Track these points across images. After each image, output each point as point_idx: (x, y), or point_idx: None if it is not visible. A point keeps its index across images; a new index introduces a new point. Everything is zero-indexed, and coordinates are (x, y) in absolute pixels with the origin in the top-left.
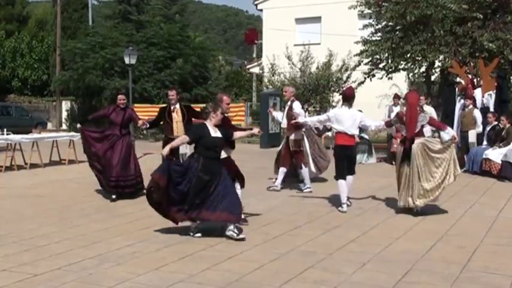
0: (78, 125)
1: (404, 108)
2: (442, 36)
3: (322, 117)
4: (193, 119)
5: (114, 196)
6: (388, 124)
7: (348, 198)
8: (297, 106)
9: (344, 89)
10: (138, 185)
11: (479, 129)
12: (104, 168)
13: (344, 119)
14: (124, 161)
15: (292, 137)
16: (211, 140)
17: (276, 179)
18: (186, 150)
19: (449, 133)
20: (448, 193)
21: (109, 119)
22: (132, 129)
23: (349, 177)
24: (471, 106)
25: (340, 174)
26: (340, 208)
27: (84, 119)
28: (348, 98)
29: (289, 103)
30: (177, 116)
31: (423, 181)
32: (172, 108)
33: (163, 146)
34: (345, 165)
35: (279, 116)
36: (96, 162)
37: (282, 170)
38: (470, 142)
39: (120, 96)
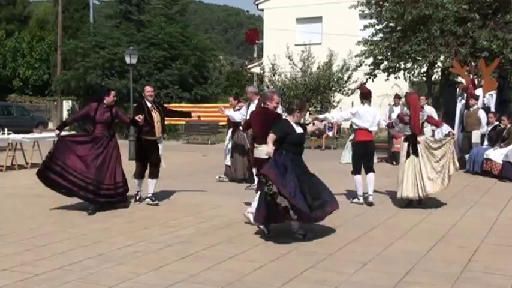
0: (56, 132)
1: (405, 109)
2: (443, 37)
3: (345, 114)
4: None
5: (90, 209)
6: (391, 126)
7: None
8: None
9: (361, 87)
10: (117, 196)
11: (484, 129)
12: (78, 171)
13: (366, 116)
14: (108, 166)
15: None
16: (297, 136)
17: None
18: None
19: (446, 129)
20: (449, 193)
21: (93, 119)
22: (132, 129)
23: (370, 175)
24: (476, 106)
25: (358, 170)
26: (355, 200)
27: (63, 124)
28: (368, 96)
29: (256, 102)
30: (156, 116)
31: (429, 173)
32: (150, 106)
33: (139, 149)
34: (362, 162)
35: (236, 115)
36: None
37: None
38: (474, 142)
39: (112, 92)
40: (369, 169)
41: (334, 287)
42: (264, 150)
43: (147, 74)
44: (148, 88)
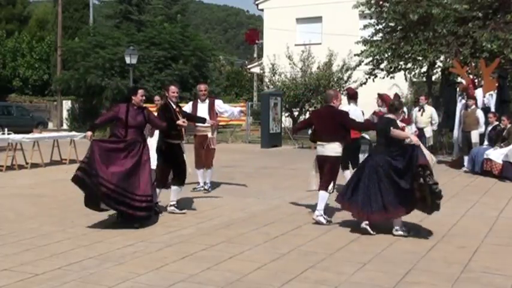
0: (88, 134)
1: (381, 109)
2: (443, 37)
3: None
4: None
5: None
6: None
7: None
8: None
9: (348, 89)
10: (145, 210)
11: (482, 129)
12: (113, 182)
13: (355, 115)
14: (141, 176)
15: (213, 135)
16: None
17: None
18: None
19: (412, 129)
20: (449, 193)
21: (125, 122)
22: None
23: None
24: (474, 106)
25: (347, 166)
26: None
27: (93, 125)
28: (354, 96)
29: (207, 101)
30: (181, 118)
31: None
32: (175, 108)
33: (166, 155)
34: (349, 158)
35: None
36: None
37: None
38: (474, 142)
39: (140, 91)
40: (355, 165)
41: (334, 287)
42: (334, 148)
43: (148, 74)
44: (173, 88)
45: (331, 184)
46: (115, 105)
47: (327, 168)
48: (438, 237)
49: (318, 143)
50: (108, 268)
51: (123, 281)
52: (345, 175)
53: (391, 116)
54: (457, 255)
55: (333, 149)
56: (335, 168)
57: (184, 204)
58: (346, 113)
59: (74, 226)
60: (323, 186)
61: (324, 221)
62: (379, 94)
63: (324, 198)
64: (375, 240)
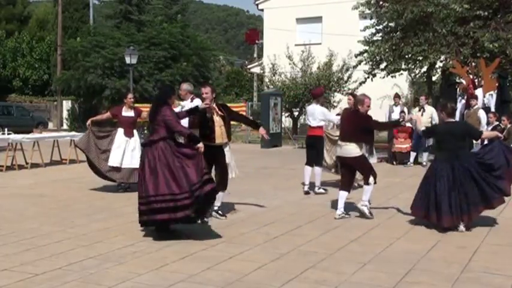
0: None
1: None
2: (444, 37)
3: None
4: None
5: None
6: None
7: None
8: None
9: (316, 89)
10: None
11: (484, 129)
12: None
13: (312, 114)
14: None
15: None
16: None
17: None
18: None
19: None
20: None
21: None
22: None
23: (317, 168)
24: (476, 106)
25: (307, 162)
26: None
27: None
28: (315, 96)
29: (189, 101)
30: (218, 119)
31: None
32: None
33: (209, 155)
34: (311, 154)
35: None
36: None
37: None
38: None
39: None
40: (318, 163)
41: (334, 287)
42: (352, 149)
43: (148, 74)
44: (203, 90)
45: (371, 177)
46: (164, 110)
47: (357, 168)
48: (438, 237)
49: (338, 142)
50: (108, 268)
51: (123, 281)
52: (305, 170)
53: (456, 119)
54: (457, 255)
55: (351, 149)
56: (363, 163)
57: None
58: (368, 117)
59: (74, 226)
60: (365, 181)
61: (367, 212)
62: (352, 94)
63: (367, 191)
64: (375, 240)
